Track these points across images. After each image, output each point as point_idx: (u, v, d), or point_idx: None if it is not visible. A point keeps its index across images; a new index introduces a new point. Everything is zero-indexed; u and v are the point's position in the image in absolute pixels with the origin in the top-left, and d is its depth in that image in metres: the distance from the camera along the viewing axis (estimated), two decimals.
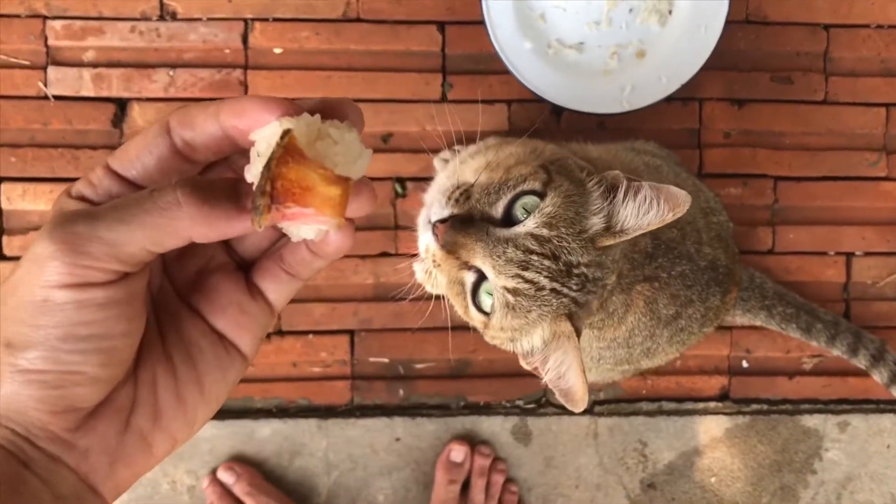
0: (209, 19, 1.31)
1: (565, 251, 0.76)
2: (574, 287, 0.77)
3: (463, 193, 0.80)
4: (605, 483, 1.42)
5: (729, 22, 1.23)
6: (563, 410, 1.37)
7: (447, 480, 1.35)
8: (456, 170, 0.88)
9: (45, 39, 1.29)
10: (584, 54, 1.29)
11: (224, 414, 1.35)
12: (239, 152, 0.44)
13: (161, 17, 1.31)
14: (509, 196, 0.79)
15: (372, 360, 1.38)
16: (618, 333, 0.95)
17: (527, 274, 0.75)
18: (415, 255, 0.88)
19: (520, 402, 1.41)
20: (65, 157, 1.30)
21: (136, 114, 1.31)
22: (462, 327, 0.89)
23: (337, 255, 0.45)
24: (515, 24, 1.25)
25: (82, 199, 0.42)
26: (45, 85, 1.30)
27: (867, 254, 1.41)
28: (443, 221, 0.78)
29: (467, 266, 0.79)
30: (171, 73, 1.31)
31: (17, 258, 1.30)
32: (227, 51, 1.32)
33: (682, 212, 0.74)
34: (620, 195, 0.77)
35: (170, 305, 0.46)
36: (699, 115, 1.37)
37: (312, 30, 1.32)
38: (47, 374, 0.39)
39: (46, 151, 1.30)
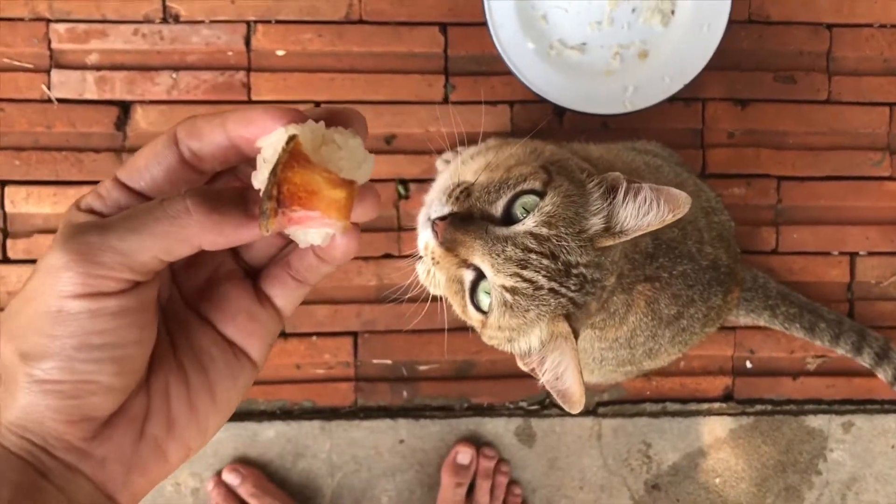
0: (212, 22, 1.31)
1: (564, 250, 0.76)
2: (572, 287, 0.77)
3: (464, 191, 0.80)
4: (610, 484, 1.42)
5: (731, 21, 1.23)
6: (567, 412, 1.37)
7: (454, 483, 1.35)
8: (457, 170, 0.89)
9: (49, 43, 1.30)
10: (587, 55, 1.29)
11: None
12: (245, 162, 0.44)
13: (164, 20, 1.31)
14: (509, 195, 0.79)
15: (375, 361, 1.38)
16: (619, 334, 0.95)
17: (525, 273, 0.75)
18: (418, 257, 0.88)
19: (523, 404, 1.41)
20: (68, 160, 1.31)
21: (140, 116, 1.32)
22: (464, 329, 0.89)
23: (344, 259, 0.45)
24: (518, 25, 1.25)
25: (91, 211, 0.42)
26: (49, 88, 1.30)
27: (871, 253, 1.40)
28: (443, 219, 0.78)
29: (466, 264, 0.79)
30: (174, 75, 1.31)
31: (21, 261, 1.31)
32: (230, 53, 1.32)
33: (681, 213, 0.74)
34: (620, 196, 0.77)
35: (179, 315, 0.46)
36: (702, 115, 1.37)
37: (315, 32, 1.32)
38: (63, 384, 0.39)
39: (50, 154, 1.31)
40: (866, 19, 1.37)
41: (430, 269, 0.82)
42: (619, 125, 1.34)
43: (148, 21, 1.31)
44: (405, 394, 1.39)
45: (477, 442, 1.39)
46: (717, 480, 1.43)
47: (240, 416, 1.37)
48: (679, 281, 0.96)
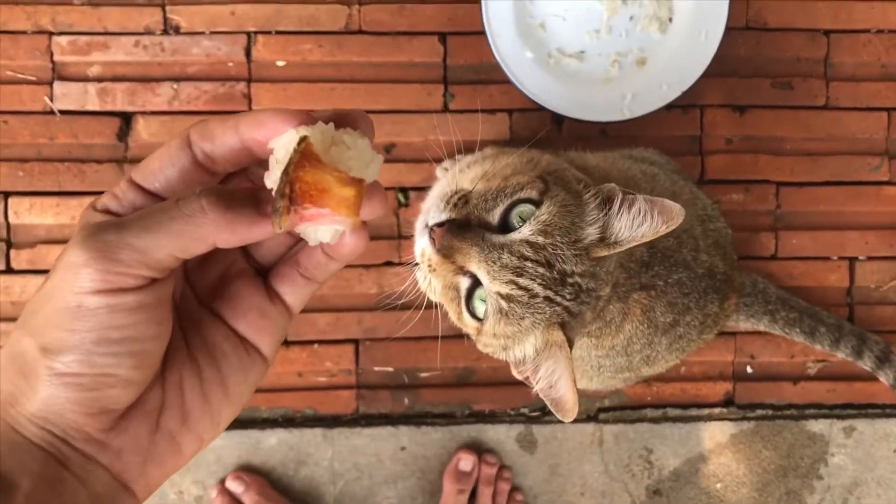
0: (212, 33, 1.32)
1: (560, 259, 0.76)
2: (568, 296, 0.77)
3: (461, 199, 0.81)
4: (611, 490, 1.42)
5: (729, 28, 1.24)
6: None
7: (456, 490, 1.35)
8: (454, 178, 0.89)
9: (51, 55, 1.31)
10: (585, 63, 1.30)
11: (230, 424, 1.36)
12: (256, 163, 0.46)
13: (165, 32, 1.32)
14: (506, 203, 0.80)
15: (377, 369, 1.39)
16: (616, 342, 0.95)
17: (521, 280, 0.76)
18: (414, 264, 0.88)
19: (525, 410, 1.42)
20: (71, 171, 1.32)
21: (141, 127, 1.33)
22: (462, 336, 0.89)
23: (352, 256, 0.47)
24: (516, 34, 1.26)
25: (107, 211, 0.44)
26: (51, 100, 1.31)
27: (870, 258, 1.41)
28: (440, 225, 0.79)
29: (462, 271, 0.80)
30: (175, 86, 1.32)
31: (24, 272, 1.32)
32: (231, 64, 1.33)
33: (675, 224, 0.74)
34: (615, 207, 0.78)
35: (193, 311, 0.48)
36: (700, 121, 1.37)
37: (315, 42, 1.33)
38: (83, 377, 0.40)
39: (53, 165, 1.32)
40: (864, 25, 1.37)
41: (427, 276, 0.83)
42: (618, 132, 1.34)
43: (149, 33, 1.32)
44: (406, 401, 1.40)
45: (478, 449, 1.39)
46: (719, 485, 1.43)
47: (242, 423, 1.38)
48: (675, 289, 0.96)
